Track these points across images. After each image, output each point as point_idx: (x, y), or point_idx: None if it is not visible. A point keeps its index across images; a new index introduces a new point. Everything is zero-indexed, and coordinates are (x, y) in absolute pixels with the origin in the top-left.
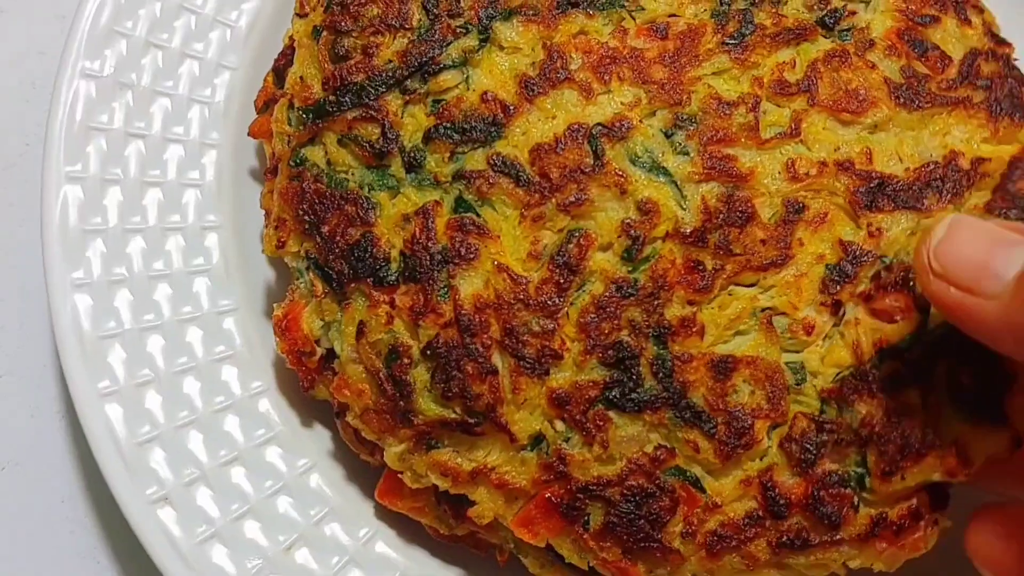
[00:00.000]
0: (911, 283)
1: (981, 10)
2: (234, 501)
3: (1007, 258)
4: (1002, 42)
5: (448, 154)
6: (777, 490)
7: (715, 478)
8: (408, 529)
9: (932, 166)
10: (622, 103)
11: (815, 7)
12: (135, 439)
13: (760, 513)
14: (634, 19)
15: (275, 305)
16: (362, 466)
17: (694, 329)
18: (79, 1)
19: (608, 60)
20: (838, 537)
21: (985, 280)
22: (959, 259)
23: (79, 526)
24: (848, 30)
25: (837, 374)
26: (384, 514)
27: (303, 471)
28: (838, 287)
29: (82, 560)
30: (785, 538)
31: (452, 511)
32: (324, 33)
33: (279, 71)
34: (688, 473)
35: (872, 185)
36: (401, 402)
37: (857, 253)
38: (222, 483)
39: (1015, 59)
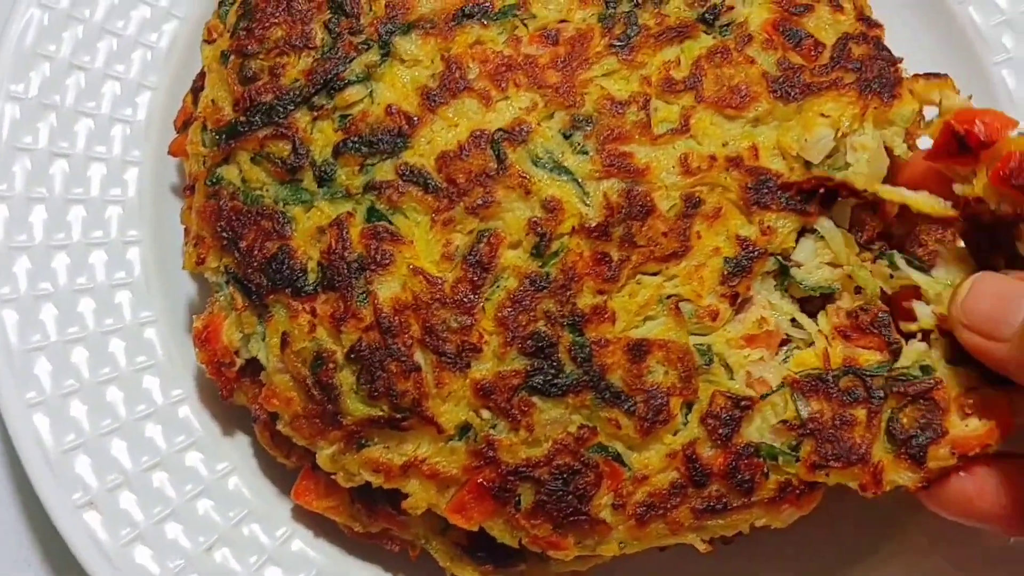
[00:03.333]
0: (886, 328)
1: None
2: (156, 504)
3: (1017, 307)
4: (873, 24)
5: (358, 166)
6: (699, 461)
7: (637, 452)
8: (324, 528)
9: (819, 179)
10: (520, 108)
11: (695, 4)
12: (61, 447)
13: (683, 482)
14: (526, 27)
15: (195, 317)
16: (280, 469)
17: (606, 316)
18: (3, 25)
19: (504, 68)
20: (751, 501)
21: (999, 327)
22: (980, 312)
23: (11, 531)
24: (728, 25)
25: (802, 371)
26: (301, 514)
27: (223, 475)
28: (736, 280)
29: (15, 565)
30: (706, 504)
31: (365, 509)
32: (232, 57)
33: (197, 91)
34: (610, 449)
35: (760, 181)
36: (329, 405)
37: (751, 249)
38: (145, 488)
39: (885, 40)
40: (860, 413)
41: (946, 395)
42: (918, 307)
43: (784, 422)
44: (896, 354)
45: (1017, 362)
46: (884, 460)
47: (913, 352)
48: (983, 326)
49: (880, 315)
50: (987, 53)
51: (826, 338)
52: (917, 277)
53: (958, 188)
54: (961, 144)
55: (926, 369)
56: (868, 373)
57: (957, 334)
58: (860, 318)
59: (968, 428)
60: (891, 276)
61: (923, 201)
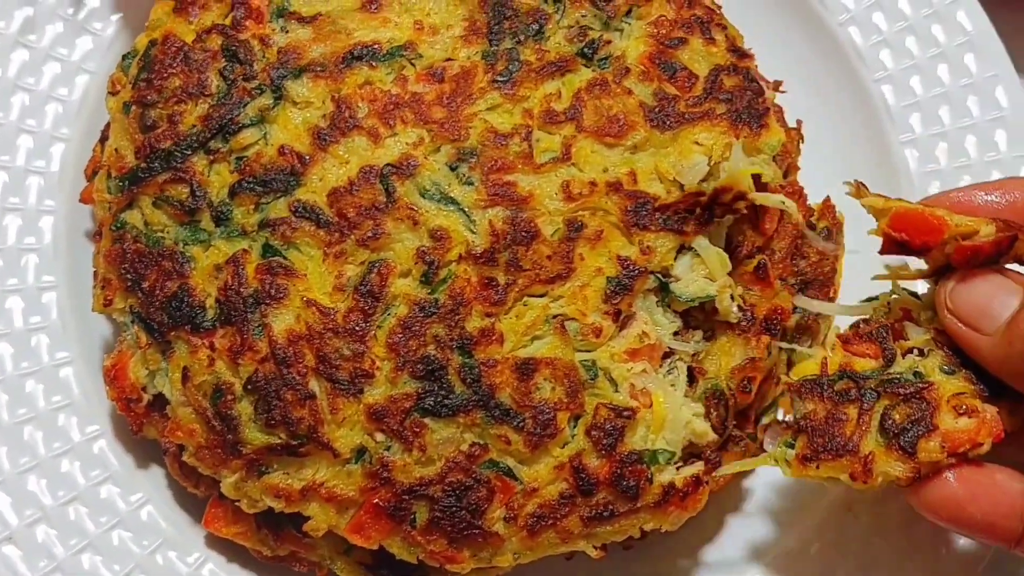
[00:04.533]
0: (883, 338)
1: (724, 27)
2: (73, 537)
3: (1003, 303)
4: (744, 55)
5: (253, 205)
6: (586, 471)
7: (528, 466)
8: (236, 553)
9: (694, 195)
10: (407, 143)
11: (575, 39)
12: None
13: (572, 492)
14: (414, 66)
15: (105, 356)
16: (192, 498)
17: (494, 337)
18: None
19: (392, 106)
20: (638, 506)
21: (984, 319)
22: (967, 301)
23: None
24: (606, 59)
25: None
26: (213, 541)
27: (137, 506)
28: (618, 298)
29: None
30: (594, 512)
31: (272, 534)
32: (133, 107)
33: (105, 141)
34: (501, 464)
35: (639, 204)
36: (229, 435)
37: (632, 268)
38: (62, 521)
39: (755, 67)
40: (852, 411)
41: (938, 395)
42: (910, 328)
43: (779, 422)
44: (891, 361)
45: (998, 358)
46: (875, 452)
47: (908, 361)
48: (968, 316)
49: (880, 328)
50: (866, 71)
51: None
52: (910, 301)
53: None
54: (904, 247)
55: (919, 375)
56: (863, 376)
57: (940, 318)
58: (861, 328)
59: (959, 424)
60: (890, 300)
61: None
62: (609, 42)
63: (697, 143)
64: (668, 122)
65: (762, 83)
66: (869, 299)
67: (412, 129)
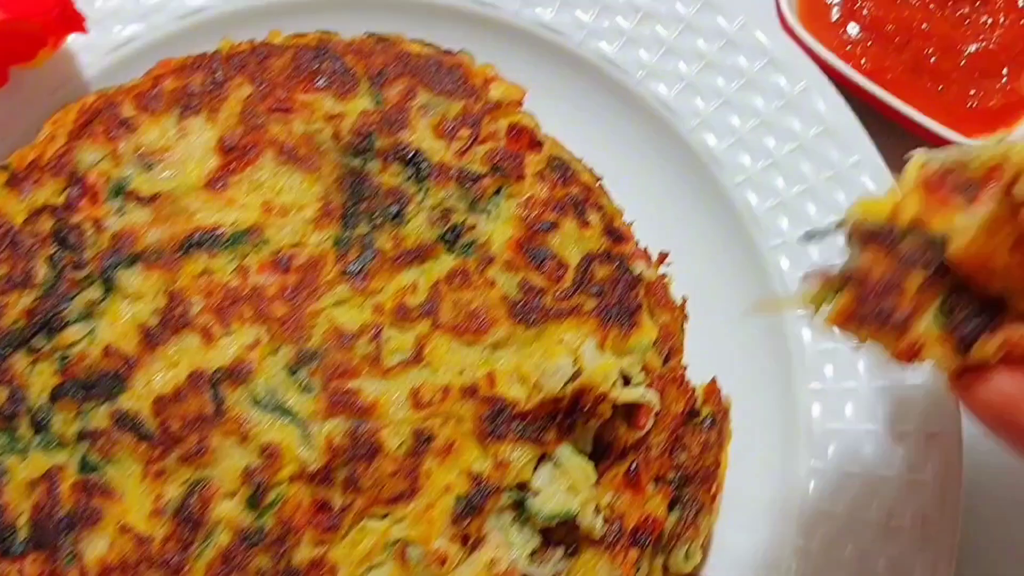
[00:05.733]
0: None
1: (601, 206)
2: None
3: None
4: (621, 238)
5: (74, 412)
6: None
7: None
8: None
9: (553, 401)
10: (243, 345)
11: (437, 223)
12: None
13: None
14: (259, 252)
15: None
16: None
17: (325, 569)
18: None
19: (229, 301)
20: None
21: None
22: None
23: None
24: (470, 245)
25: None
26: None
27: None
28: (468, 520)
29: None
30: None
31: None
32: None
33: None
34: None
35: (495, 410)
36: None
37: (484, 486)
38: None
39: (635, 245)
40: (915, 280)
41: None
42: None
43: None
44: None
45: None
46: (927, 336)
47: None
48: None
49: (971, 178)
50: (762, 239)
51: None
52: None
53: None
54: None
55: None
56: (938, 240)
57: None
58: (948, 176)
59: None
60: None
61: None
62: (474, 226)
63: (562, 342)
64: (533, 318)
65: (640, 263)
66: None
67: (250, 327)
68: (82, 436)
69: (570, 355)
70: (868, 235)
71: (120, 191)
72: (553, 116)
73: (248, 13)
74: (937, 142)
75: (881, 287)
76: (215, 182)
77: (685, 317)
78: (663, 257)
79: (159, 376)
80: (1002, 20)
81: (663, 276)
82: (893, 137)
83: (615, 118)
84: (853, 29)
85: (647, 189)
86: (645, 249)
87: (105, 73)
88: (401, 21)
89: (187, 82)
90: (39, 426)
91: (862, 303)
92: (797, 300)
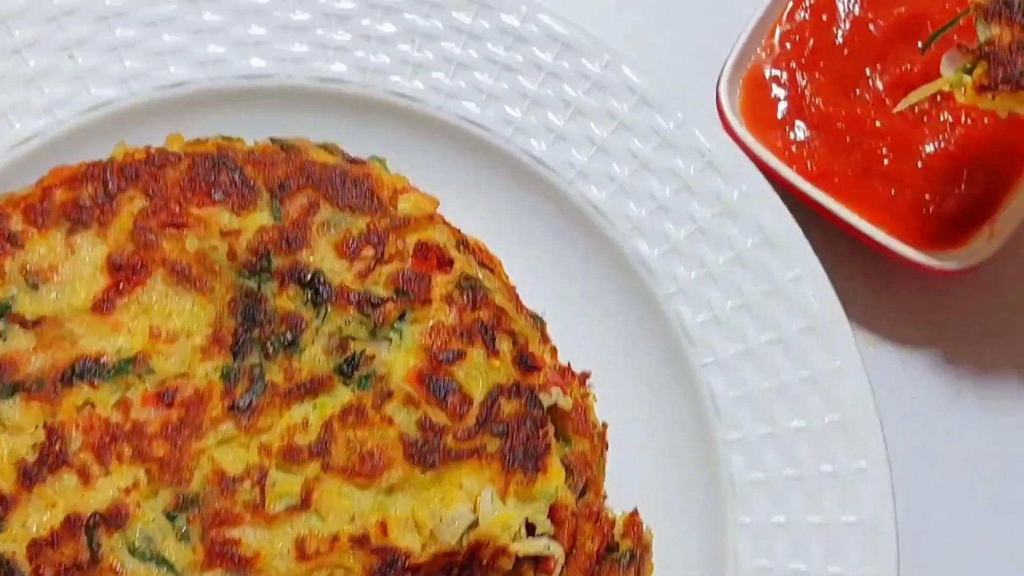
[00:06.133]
0: None
1: (512, 332)
2: None
3: None
4: (532, 367)
5: None
6: None
7: None
8: None
9: (448, 554)
10: (121, 487)
11: (334, 352)
12: None
13: None
14: (144, 382)
15: None
16: None
17: None
18: None
19: (109, 438)
20: None
21: None
22: None
23: None
24: (368, 377)
25: None
26: None
27: None
28: None
29: None
30: None
31: None
32: None
33: None
34: None
35: (387, 562)
36: None
37: None
38: None
39: (552, 368)
40: None
41: None
42: None
43: (959, 46)
44: None
45: None
46: None
47: None
48: None
49: None
50: (695, 354)
51: None
52: None
53: None
54: None
55: None
56: None
57: None
58: None
59: None
60: None
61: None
62: (373, 356)
63: (462, 487)
64: (431, 459)
65: (556, 390)
66: None
67: (128, 468)
68: None
69: (469, 502)
70: (994, 10)
71: (3, 313)
72: (479, 214)
73: (154, 106)
74: (886, 253)
75: (1011, 50)
76: (102, 304)
77: (605, 445)
78: (584, 377)
79: (35, 518)
80: (964, 119)
81: (586, 395)
82: (840, 243)
83: (543, 218)
84: (800, 127)
85: (574, 295)
86: (568, 366)
87: (2, 172)
88: (319, 114)
89: (78, 194)
90: None
91: (996, 68)
92: (941, 81)
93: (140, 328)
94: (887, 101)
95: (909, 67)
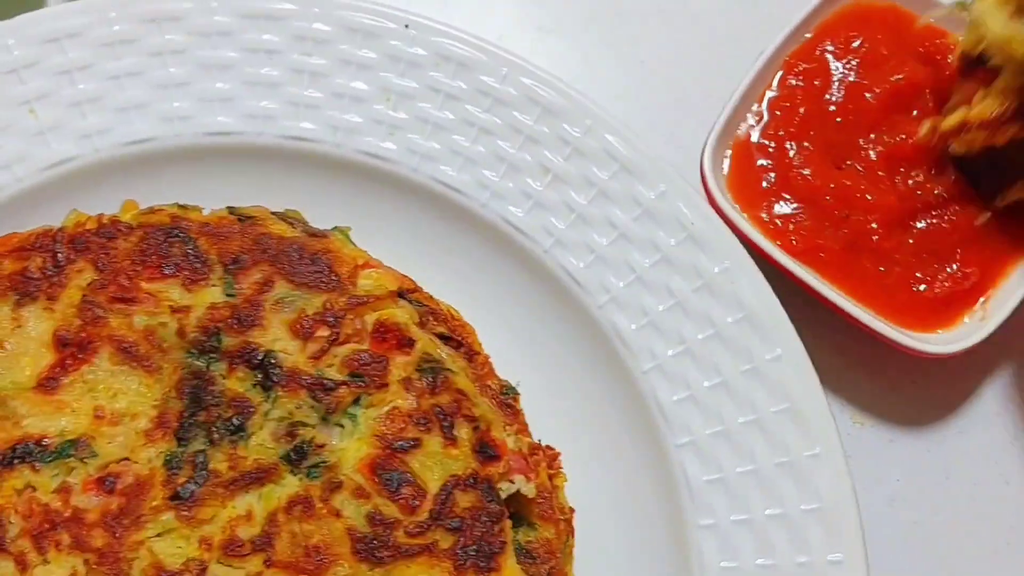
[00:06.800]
0: None
1: (474, 418)
2: None
3: None
4: (492, 457)
5: None
6: None
7: None
8: None
9: None
10: None
11: (283, 438)
12: None
13: None
14: (86, 465)
15: None
16: None
17: None
18: None
19: (48, 525)
20: None
21: None
22: None
23: None
24: (317, 466)
25: None
26: None
27: None
28: None
29: None
30: None
31: None
32: None
33: None
34: None
35: None
36: None
37: None
38: None
39: (512, 458)
40: None
41: None
42: None
43: None
44: None
45: None
46: None
47: None
48: None
49: None
50: (671, 435)
51: None
52: None
53: None
54: None
55: None
56: None
57: None
58: None
59: None
60: None
61: None
62: (323, 444)
63: None
64: (380, 555)
65: (519, 477)
66: None
67: (67, 558)
68: None
69: None
70: None
71: None
72: (453, 279)
73: (117, 163)
74: (874, 335)
75: None
76: (47, 382)
77: (571, 531)
78: (554, 457)
79: None
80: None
81: (555, 475)
82: (828, 317)
83: (520, 286)
84: (787, 199)
85: (549, 364)
86: (538, 443)
87: None
88: (287, 174)
89: (26, 264)
90: None
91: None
92: None
93: (84, 408)
94: (879, 173)
95: (904, 137)
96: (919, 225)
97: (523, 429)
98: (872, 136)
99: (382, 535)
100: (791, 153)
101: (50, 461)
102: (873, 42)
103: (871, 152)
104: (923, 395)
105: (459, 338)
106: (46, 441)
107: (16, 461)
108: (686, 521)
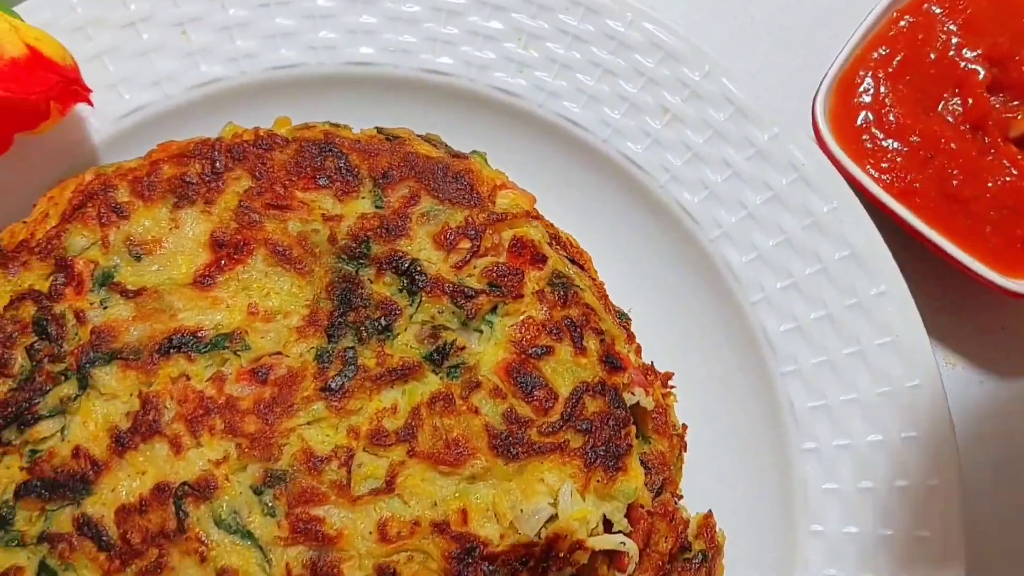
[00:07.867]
0: None
1: (600, 331)
2: None
3: None
4: (617, 367)
5: (38, 511)
6: None
7: None
8: None
9: (526, 545)
10: (210, 459)
11: (426, 340)
12: None
13: None
14: (239, 357)
15: None
16: None
17: None
18: None
19: (202, 411)
20: None
21: None
22: None
23: None
24: (458, 366)
25: None
26: None
27: None
28: None
29: None
30: None
31: None
32: None
33: None
34: None
35: (465, 549)
36: None
37: None
38: None
39: (634, 371)
40: None
41: None
42: None
43: None
44: None
45: None
46: None
47: None
48: None
49: None
50: (776, 364)
51: None
52: None
53: None
54: None
55: None
56: None
57: None
58: None
59: None
60: None
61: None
62: (464, 347)
63: (543, 481)
64: (515, 452)
65: (639, 390)
66: None
67: (219, 442)
68: (43, 538)
69: (549, 496)
70: None
71: (106, 281)
72: (572, 210)
73: (261, 87)
74: (970, 275)
75: None
76: (203, 279)
77: (684, 446)
78: (667, 377)
79: (125, 484)
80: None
81: (667, 395)
82: (922, 262)
83: (635, 219)
84: (878, 138)
85: (660, 295)
86: (651, 365)
87: (111, 141)
88: (423, 105)
89: (185, 170)
90: (2, 521)
91: None
92: None
93: (239, 305)
94: (962, 127)
95: (988, 97)
96: (995, 182)
97: (638, 351)
98: (957, 91)
99: (517, 433)
100: (883, 92)
101: (205, 352)
102: (977, 8)
103: (958, 106)
104: (1013, 341)
105: (579, 263)
106: (201, 333)
107: (172, 351)
108: (790, 444)
